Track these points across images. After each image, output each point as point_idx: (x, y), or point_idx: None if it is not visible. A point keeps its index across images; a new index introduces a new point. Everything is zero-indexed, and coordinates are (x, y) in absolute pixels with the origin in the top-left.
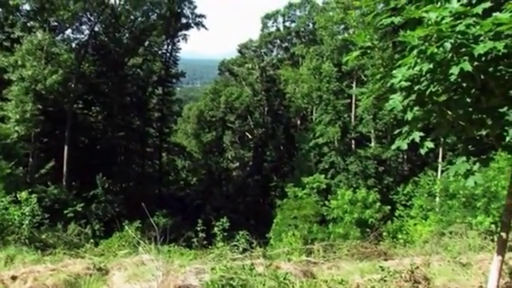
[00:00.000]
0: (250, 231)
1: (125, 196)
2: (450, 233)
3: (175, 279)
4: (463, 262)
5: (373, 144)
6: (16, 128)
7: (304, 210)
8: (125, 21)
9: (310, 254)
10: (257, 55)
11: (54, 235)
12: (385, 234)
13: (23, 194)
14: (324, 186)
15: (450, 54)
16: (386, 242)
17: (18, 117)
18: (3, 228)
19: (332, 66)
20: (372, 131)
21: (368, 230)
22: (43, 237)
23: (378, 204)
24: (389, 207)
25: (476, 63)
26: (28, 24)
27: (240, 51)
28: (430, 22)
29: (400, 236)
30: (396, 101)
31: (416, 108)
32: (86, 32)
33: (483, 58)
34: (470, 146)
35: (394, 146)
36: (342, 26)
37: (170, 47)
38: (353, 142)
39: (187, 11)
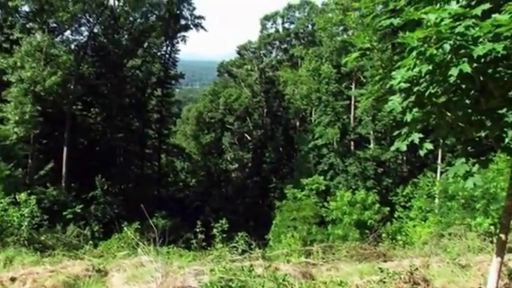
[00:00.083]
0: (249, 232)
1: (124, 197)
2: (449, 234)
3: (174, 280)
4: (462, 264)
5: (372, 145)
6: (15, 129)
7: (303, 212)
8: (124, 22)
9: (309, 256)
10: (256, 56)
11: (53, 237)
12: (384, 235)
13: (22, 196)
14: (323, 188)
15: (450, 56)
16: (385, 244)
17: (17, 118)
18: (2, 229)
19: (331, 67)
20: (371, 132)
21: (367, 231)
22: (42, 238)
23: (377, 205)
24: (388, 208)
25: (475, 65)
26: (27, 25)
27: (239, 53)
28: (429, 24)
29: (399, 237)
30: (395, 102)
31: (415, 109)
32: (85, 33)
33: (482, 60)
34: (469, 148)
35: (393, 148)
36: (341, 28)
37: (169, 49)
38: (352, 143)
39: (186, 13)
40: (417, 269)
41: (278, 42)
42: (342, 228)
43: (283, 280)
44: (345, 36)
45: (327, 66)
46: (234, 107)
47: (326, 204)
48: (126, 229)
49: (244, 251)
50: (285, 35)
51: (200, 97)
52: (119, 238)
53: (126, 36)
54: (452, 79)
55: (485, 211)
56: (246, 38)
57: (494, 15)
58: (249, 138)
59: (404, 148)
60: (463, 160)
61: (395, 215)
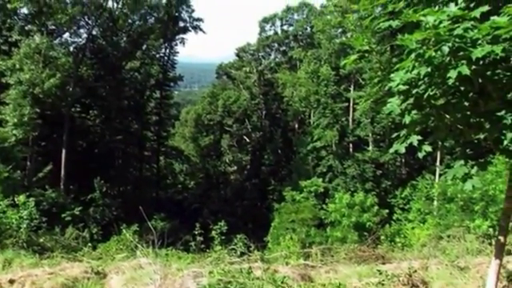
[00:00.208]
0: (248, 235)
1: (122, 199)
2: (448, 236)
3: (173, 283)
4: (461, 266)
5: (371, 147)
6: (14, 132)
7: (302, 214)
8: (122, 24)
9: (308, 258)
10: (254, 59)
11: (52, 239)
12: (383, 237)
13: (21, 198)
14: (322, 190)
15: (448, 58)
16: (384, 246)
17: (15, 120)
18: (1, 231)
19: (330, 69)
20: (370, 135)
21: (366, 233)
22: (41, 240)
23: (376, 207)
24: (387, 211)
25: (474, 67)
26: (26, 28)
27: (238, 55)
28: (427, 26)
29: (398, 239)
30: (394, 104)
31: (414, 112)
32: (84, 36)
33: (481, 62)
34: (467, 150)
35: (391, 150)
36: (340, 30)
37: (167, 51)
38: (350, 145)
39: (185, 15)
40: (415, 271)
41: (276, 44)
42: (341, 230)
43: (282, 282)
44: (343, 38)
45: (326, 68)
46: (233, 109)
47: (324, 206)
48: (124, 231)
49: (243, 253)
50: (283, 37)
51: (199, 99)
52: (118, 240)
53: (124, 38)
54: (451, 81)
55: (483, 213)
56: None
57: (492, 17)
58: (247, 140)
59: (403, 150)
60: (462, 162)
61: (394, 217)
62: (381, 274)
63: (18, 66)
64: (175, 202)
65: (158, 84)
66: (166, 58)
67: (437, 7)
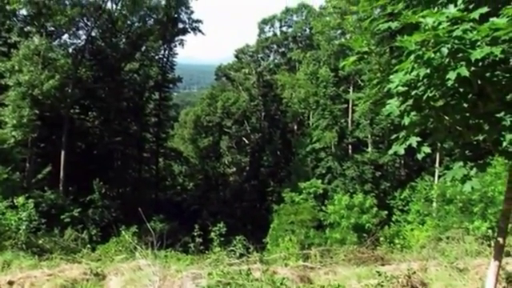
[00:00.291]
0: (247, 236)
1: (121, 201)
2: (447, 238)
3: (172, 284)
4: (460, 267)
5: (370, 149)
6: (13, 133)
7: (301, 215)
8: (122, 26)
9: (307, 259)
10: (253, 60)
11: (51, 240)
12: (382, 239)
13: (20, 199)
14: (321, 191)
15: (447, 59)
16: (383, 247)
17: (14, 122)
18: (0, 233)
19: (329, 71)
20: (369, 136)
21: (365, 235)
22: (40, 242)
23: (375, 209)
24: (386, 212)
25: (473, 68)
26: (25, 29)
27: (237, 56)
28: (426, 27)
29: (397, 241)
30: (393, 106)
31: (413, 113)
32: (83, 37)
33: (480, 63)
34: (466, 151)
35: (391, 151)
36: (339, 31)
37: (166, 52)
38: (350, 147)
39: (184, 16)
40: (414, 272)
41: (275, 46)
42: (340, 232)
43: (281, 284)
44: (342, 40)
45: (325, 69)
46: (232, 111)
47: (323, 208)
48: (123, 232)
49: (242, 255)
50: (282, 39)
51: (198, 100)
52: (117, 242)
53: (123, 40)
54: (450, 83)
55: (483, 215)
56: (243, 41)
57: (491, 19)
58: (246, 141)
59: (402, 152)
60: (461, 164)
61: (393, 219)
62: (380, 275)
63: (17, 68)
64: (174, 204)
65: (157, 85)
66: (165, 59)
67: (436, 9)
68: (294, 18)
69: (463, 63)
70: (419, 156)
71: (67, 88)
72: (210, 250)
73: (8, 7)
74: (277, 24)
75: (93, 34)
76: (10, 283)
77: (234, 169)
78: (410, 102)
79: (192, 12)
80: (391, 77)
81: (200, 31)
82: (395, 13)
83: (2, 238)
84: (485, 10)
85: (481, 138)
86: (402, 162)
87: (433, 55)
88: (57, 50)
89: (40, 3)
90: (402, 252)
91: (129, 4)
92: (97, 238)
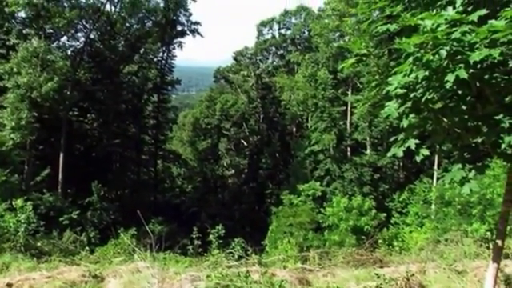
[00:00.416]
0: (246, 238)
1: (120, 203)
2: (446, 240)
3: (171, 286)
4: (459, 270)
5: (368, 151)
6: (11, 135)
7: (299, 218)
8: (120, 28)
9: (306, 262)
10: (252, 62)
11: (50, 242)
12: (380, 241)
13: (19, 202)
14: (319, 194)
15: (446, 62)
16: (382, 250)
17: (13, 124)
18: None
19: (327, 73)
20: (367, 138)
21: (363, 237)
22: (39, 244)
23: (374, 211)
24: (384, 214)
25: (471, 70)
26: (23, 31)
27: (235, 58)
28: (425, 30)
29: (395, 243)
30: (392, 108)
31: (412, 115)
32: (82, 39)
33: (479, 66)
34: (465, 154)
35: (389, 154)
36: (338, 34)
37: (165, 54)
38: (348, 149)
39: (182, 18)
40: (413, 275)
41: (274, 48)
42: (339, 234)
43: (279, 286)
44: (341, 42)
45: (323, 71)
46: (231, 113)
47: (322, 210)
48: (122, 235)
49: (240, 257)
50: (281, 41)
51: (196, 103)
52: (115, 244)
53: (122, 42)
54: (448, 85)
55: (481, 217)
56: (242, 43)
57: (490, 21)
58: (245, 143)
59: (400, 154)
60: (460, 166)
61: (392, 221)
62: (378, 277)
63: (15, 70)
64: (173, 206)
65: (156, 88)
66: (163, 61)
67: (434, 11)
68: (293, 20)
69: (462, 65)
70: (418, 158)
71: (66, 90)
72: (208, 253)
73: (7, 9)
74: (275, 26)
75: (91, 36)
76: (9, 285)
77: (233, 171)
78: (409, 104)
79: (190, 14)
80: (390, 79)
81: (199, 33)
82: (394, 15)
83: (0, 241)
84: (483, 12)
85: (479, 140)
86: (401, 164)
87: (431, 57)
88: (55, 52)
89: (39, 5)
90: (401, 254)
91: (127, 6)
92: (95, 240)
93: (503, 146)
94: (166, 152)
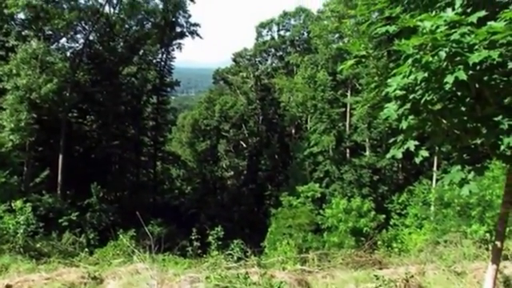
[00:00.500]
0: (245, 240)
1: (119, 205)
2: (445, 242)
3: None
4: (458, 271)
5: (367, 153)
6: (11, 137)
7: (299, 219)
8: (119, 30)
9: (305, 263)
10: (251, 64)
11: (49, 244)
12: (379, 242)
13: (18, 203)
14: (319, 195)
15: (445, 63)
16: (381, 251)
17: (12, 126)
18: None
19: (327, 74)
20: (367, 140)
21: (363, 238)
22: (38, 246)
23: (373, 213)
24: (384, 216)
25: (471, 72)
26: (23, 33)
27: (234, 60)
28: (424, 31)
29: (395, 245)
30: (391, 109)
31: (411, 117)
32: (81, 41)
33: (478, 67)
34: (464, 155)
35: (388, 155)
36: (337, 35)
37: (164, 56)
38: (347, 150)
39: (182, 20)
40: (412, 276)
41: (273, 50)
42: (338, 235)
43: (279, 287)
44: (340, 43)
45: (323, 73)
46: (230, 114)
47: (321, 211)
48: (121, 236)
49: (239, 259)
50: (280, 42)
51: (195, 104)
52: (115, 246)
53: (121, 43)
54: (447, 86)
55: (480, 218)
56: (241, 45)
57: (489, 22)
58: (244, 145)
59: (400, 155)
60: (459, 167)
61: (391, 223)
62: (378, 279)
63: (14, 72)
64: (172, 208)
65: (155, 89)
66: (162, 63)
67: (434, 12)
68: (292, 21)
69: (461, 67)
70: (417, 160)
71: (65, 92)
72: (207, 254)
73: (6, 11)
74: (274, 28)
75: (91, 37)
76: (8, 287)
77: (232, 172)
78: (408, 105)
79: (190, 16)
80: (389, 80)
81: (198, 35)
82: (393, 16)
83: None
84: (482, 13)
85: (479, 141)
86: (400, 165)
87: (431, 59)
88: (55, 54)
89: (38, 7)
90: (400, 256)
91: (126, 8)
92: (94, 241)
93: (502, 147)
94: (165, 153)
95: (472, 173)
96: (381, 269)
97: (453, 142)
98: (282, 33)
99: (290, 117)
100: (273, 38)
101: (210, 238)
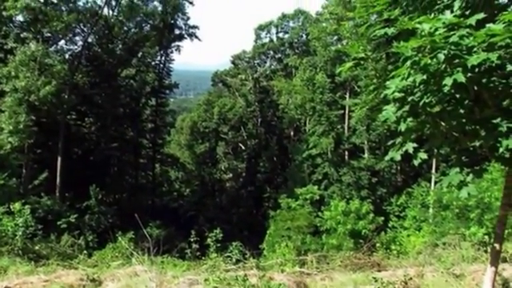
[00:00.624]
0: (244, 242)
1: (118, 207)
2: (444, 244)
3: None
4: (457, 273)
5: (366, 155)
6: (9, 139)
7: (297, 221)
8: (118, 32)
9: (304, 265)
10: (250, 66)
11: (48, 246)
12: (378, 245)
13: (16, 205)
14: (317, 197)
15: (444, 65)
16: (380, 253)
17: (11, 128)
18: None
19: (325, 76)
20: (365, 142)
21: (361, 241)
22: (36, 248)
23: (372, 215)
24: (382, 218)
25: (469, 74)
26: (21, 35)
27: (233, 62)
28: (423, 33)
29: (393, 247)
30: (389, 112)
31: (409, 119)
32: (80, 43)
33: (477, 69)
34: (463, 157)
35: (387, 157)
36: (336, 37)
37: (163, 58)
38: (346, 153)
39: (180, 22)
40: (411, 278)
41: (272, 52)
42: (336, 238)
43: None
44: (339, 46)
45: (321, 75)
46: (229, 117)
47: (320, 214)
48: (120, 238)
49: (238, 261)
50: (279, 45)
51: (194, 106)
52: (113, 248)
53: (120, 46)
54: (446, 89)
55: (479, 221)
56: (240, 47)
57: (488, 25)
58: (243, 147)
59: (398, 158)
60: (457, 170)
61: (389, 225)
62: (376, 281)
63: (13, 74)
64: (171, 210)
65: (154, 91)
66: (161, 65)
67: (432, 14)
68: (291, 24)
69: (460, 69)
70: (416, 162)
71: (64, 94)
72: (206, 256)
73: (4, 13)
74: (273, 30)
75: (89, 40)
76: None
77: (231, 175)
78: (407, 108)
79: (188, 18)
80: (388, 83)
81: (196, 37)
82: (391, 19)
83: None
84: (481, 16)
85: (477, 144)
86: (399, 168)
87: (429, 61)
88: (53, 56)
89: (36, 9)
90: (399, 258)
91: (125, 10)
92: (93, 244)
93: (501, 149)
94: (163, 156)
95: (471, 175)
96: (379, 271)
97: (451, 144)
98: (280, 35)
99: (288, 119)
100: (271, 41)
101: (209, 240)
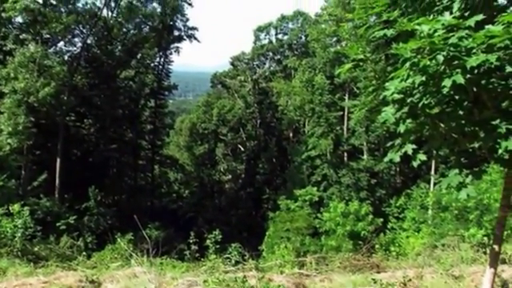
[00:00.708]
0: (243, 244)
1: (117, 208)
2: (443, 245)
3: None
4: (456, 275)
5: (365, 156)
6: (8, 140)
7: (296, 223)
8: (117, 33)
9: (303, 267)
10: (249, 67)
11: (47, 248)
12: (377, 246)
13: (15, 207)
14: (316, 199)
15: (443, 67)
16: (379, 255)
17: (10, 129)
18: None
19: (324, 78)
20: (364, 144)
21: (360, 242)
22: (36, 249)
23: (371, 216)
24: (381, 220)
25: (468, 76)
26: (20, 36)
27: (232, 64)
28: (422, 35)
29: (392, 248)
30: (388, 113)
31: (408, 120)
32: (79, 44)
33: (476, 71)
34: (462, 159)
35: (386, 159)
36: (335, 39)
37: (162, 60)
38: (345, 154)
39: (179, 24)
40: (410, 280)
41: (271, 53)
42: (336, 239)
43: None
44: (338, 47)
45: (320, 77)
46: (228, 118)
47: (319, 215)
48: (119, 240)
49: (237, 262)
50: (278, 46)
51: (193, 108)
52: (112, 249)
53: (119, 47)
54: (445, 90)
55: (478, 222)
56: (239, 48)
57: (487, 26)
58: (242, 149)
59: (397, 159)
60: (456, 171)
61: (388, 226)
62: (375, 282)
63: (12, 75)
64: (170, 211)
65: (153, 93)
66: (160, 66)
67: (431, 16)
68: (290, 25)
69: (459, 71)
70: (415, 163)
71: (63, 95)
72: (205, 258)
73: (4, 15)
74: (272, 31)
75: (88, 41)
76: None
77: (230, 176)
78: (406, 109)
79: (187, 19)
80: (387, 84)
81: (195, 39)
82: (391, 20)
83: None
84: (480, 17)
85: (476, 145)
86: (398, 169)
87: (428, 62)
88: (52, 58)
89: (35, 11)
90: (398, 259)
91: (124, 11)
92: (92, 245)
93: (500, 151)
94: (162, 157)
95: (470, 176)
96: (378, 272)
97: (450, 145)
98: (279, 36)
99: (287, 120)
100: (271, 42)
101: (208, 241)
